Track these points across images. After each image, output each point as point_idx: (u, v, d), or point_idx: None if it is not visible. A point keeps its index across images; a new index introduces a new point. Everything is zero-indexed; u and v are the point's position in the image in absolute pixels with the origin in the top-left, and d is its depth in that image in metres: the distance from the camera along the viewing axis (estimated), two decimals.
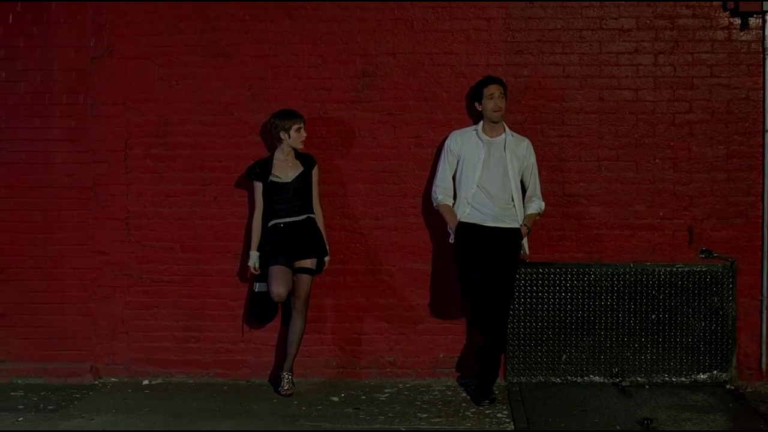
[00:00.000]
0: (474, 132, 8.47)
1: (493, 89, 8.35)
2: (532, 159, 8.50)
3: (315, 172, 8.64)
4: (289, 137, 8.50)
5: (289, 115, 8.53)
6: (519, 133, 8.59)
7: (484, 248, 8.27)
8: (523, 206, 8.43)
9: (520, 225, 8.35)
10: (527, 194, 8.49)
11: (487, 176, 8.33)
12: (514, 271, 8.41)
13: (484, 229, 8.31)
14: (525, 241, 8.41)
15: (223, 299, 9.03)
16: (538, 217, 8.52)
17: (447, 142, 8.56)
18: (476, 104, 8.48)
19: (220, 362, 9.06)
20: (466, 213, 8.37)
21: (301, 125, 8.52)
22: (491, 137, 8.41)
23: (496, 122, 8.39)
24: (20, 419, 7.98)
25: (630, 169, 8.84)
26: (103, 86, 9.05)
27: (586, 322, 8.82)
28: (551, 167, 8.84)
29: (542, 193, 8.55)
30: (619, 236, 8.86)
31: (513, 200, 8.36)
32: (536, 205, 8.47)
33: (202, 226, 9.05)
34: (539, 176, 8.55)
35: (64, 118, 9.08)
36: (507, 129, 8.45)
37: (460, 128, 8.71)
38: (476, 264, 8.26)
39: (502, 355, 8.52)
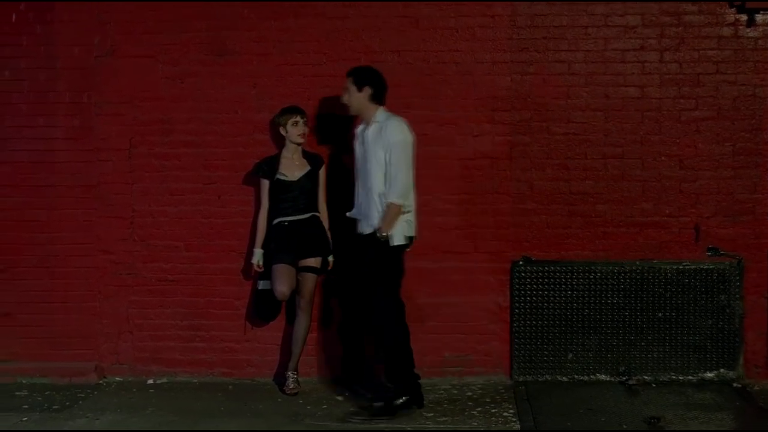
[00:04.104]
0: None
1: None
2: (393, 139, 7.79)
3: (322, 172, 8.62)
4: (287, 132, 8.49)
5: (286, 110, 8.53)
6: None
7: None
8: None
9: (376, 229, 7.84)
10: None
11: (359, 174, 8.10)
12: (380, 282, 7.92)
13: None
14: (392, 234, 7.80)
15: (227, 298, 9.01)
16: (402, 215, 7.83)
17: None
18: None
19: (225, 361, 9.04)
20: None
21: (298, 119, 8.48)
22: (364, 127, 8.08)
23: (357, 115, 8.13)
24: (25, 419, 7.96)
25: (636, 166, 8.80)
26: (107, 85, 9.04)
27: (592, 320, 8.78)
28: (557, 165, 8.81)
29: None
30: (625, 234, 8.82)
31: (378, 201, 7.88)
32: (389, 199, 7.74)
33: (206, 225, 9.03)
34: (404, 164, 7.83)
35: (68, 117, 9.08)
36: (378, 115, 7.96)
37: (466, 126, 8.81)
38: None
39: (393, 366, 8.03)
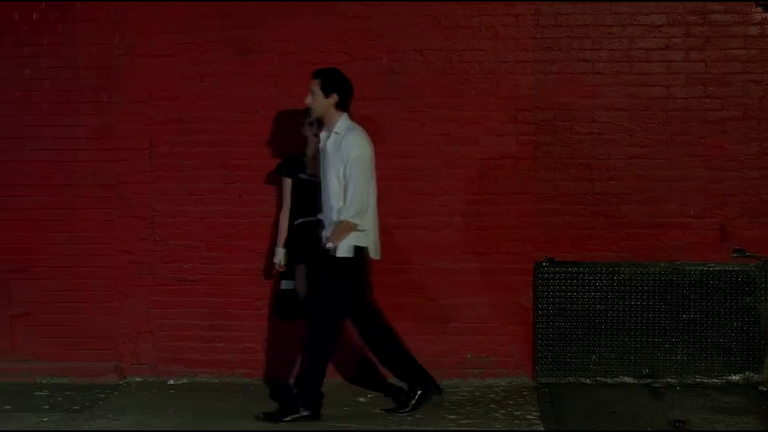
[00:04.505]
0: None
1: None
2: (350, 154, 7.60)
3: None
4: (307, 131, 8.44)
5: (307, 109, 8.44)
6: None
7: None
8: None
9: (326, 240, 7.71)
10: None
11: (321, 181, 7.93)
12: (322, 288, 7.80)
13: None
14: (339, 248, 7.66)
15: (248, 298, 8.97)
16: (356, 231, 7.66)
17: None
18: None
19: (246, 362, 9.00)
20: None
21: (314, 119, 8.39)
22: (327, 135, 7.91)
23: (318, 118, 7.97)
24: (45, 419, 7.92)
25: (661, 167, 8.72)
26: (127, 84, 9.03)
27: (616, 322, 8.71)
28: (581, 165, 8.74)
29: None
30: (649, 235, 8.75)
31: (335, 214, 7.71)
32: (343, 217, 7.61)
33: (227, 225, 9.00)
34: (362, 178, 7.64)
35: (88, 116, 9.07)
36: (339, 124, 7.79)
37: (489, 125, 8.75)
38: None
39: (311, 375, 7.85)
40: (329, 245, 7.64)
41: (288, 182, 8.45)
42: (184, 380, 9.02)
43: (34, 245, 9.09)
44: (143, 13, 9.00)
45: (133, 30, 9.02)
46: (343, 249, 7.67)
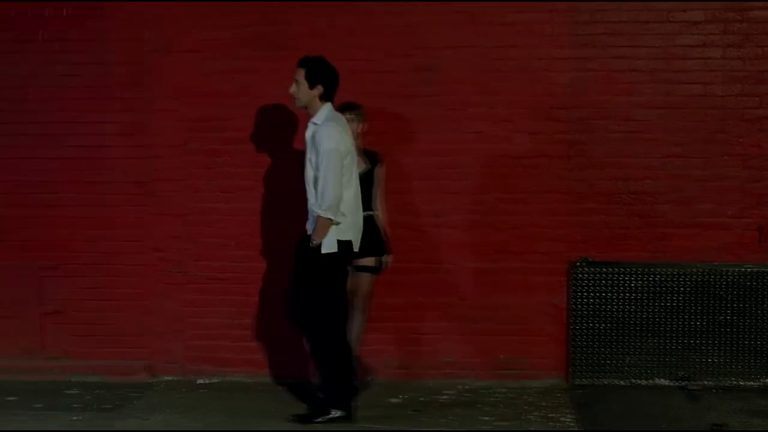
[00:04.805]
0: None
1: None
2: (323, 147, 7.39)
3: (380, 170, 8.38)
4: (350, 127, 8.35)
5: (340, 107, 8.32)
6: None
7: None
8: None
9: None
10: None
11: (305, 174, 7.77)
12: (312, 287, 7.56)
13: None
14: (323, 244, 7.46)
15: (280, 297, 8.87)
16: (334, 225, 7.42)
17: None
18: None
19: (277, 361, 8.95)
20: None
21: (352, 116, 8.22)
22: (308, 125, 7.76)
23: (303, 108, 7.76)
24: (74, 418, 7.89)
25: (697, 166, 8.61)
26: (159, 80, 9.00)
27: (651, 323, 8.61)
28: (616, 164, 8.64)
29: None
30: (685, 235, 8.64)
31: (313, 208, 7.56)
32: (317, 212, 7.44)
33: (258, 223, 8.96)
34: (336, 171, 7.37)
35: (120, 113, 9.05)
36: (319, 115, 7.58)
37: (523, 123, 8.69)
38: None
39: (329, 377, 7.64)
40: (314, 242, 7.51)
41: None
42: (215, 379, 8.99)
43: (66, 242, 9.09)
44: (175, 10, 8.96)
45: (165, 26, 8.99)
46: (327, 244, 7.51)
